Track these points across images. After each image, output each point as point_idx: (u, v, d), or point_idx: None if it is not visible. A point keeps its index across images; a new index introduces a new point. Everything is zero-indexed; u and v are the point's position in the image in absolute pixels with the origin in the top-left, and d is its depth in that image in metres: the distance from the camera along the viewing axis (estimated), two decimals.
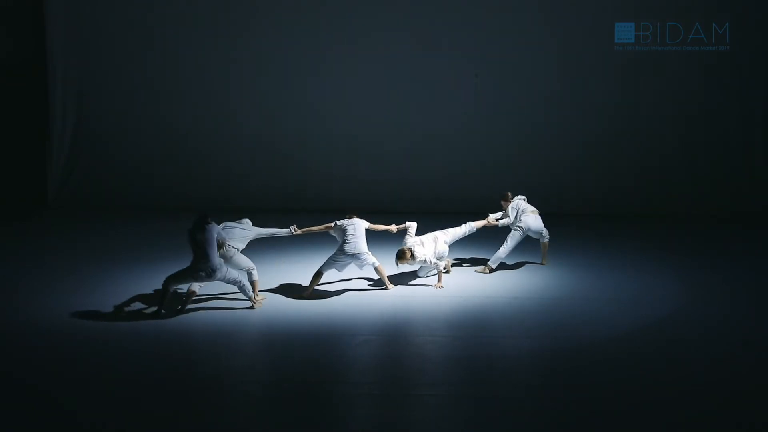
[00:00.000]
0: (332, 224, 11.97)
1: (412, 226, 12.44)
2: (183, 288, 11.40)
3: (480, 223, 13.07)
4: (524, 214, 13.04)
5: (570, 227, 15.88)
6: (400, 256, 12.16)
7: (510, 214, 13.11)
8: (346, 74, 17.66)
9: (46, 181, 18.12)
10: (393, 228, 12.42)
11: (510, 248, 12.98)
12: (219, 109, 17.92)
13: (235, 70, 17.83)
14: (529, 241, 13.40)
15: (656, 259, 13.58)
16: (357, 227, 11.89)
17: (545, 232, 13.13)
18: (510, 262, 13.42)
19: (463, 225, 12.93)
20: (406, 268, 12.46)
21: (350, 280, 12.53)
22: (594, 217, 16.77)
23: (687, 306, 11.39)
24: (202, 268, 10.81)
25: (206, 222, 10.88)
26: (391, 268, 12.55)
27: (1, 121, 18.01)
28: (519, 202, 13.20)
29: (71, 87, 18.01)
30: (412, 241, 12.32)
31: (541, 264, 13.34)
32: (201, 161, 17.96)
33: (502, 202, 13.33)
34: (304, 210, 15.46)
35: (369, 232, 12.07)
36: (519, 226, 13.00)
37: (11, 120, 18.11)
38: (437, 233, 12.67)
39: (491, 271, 12.96)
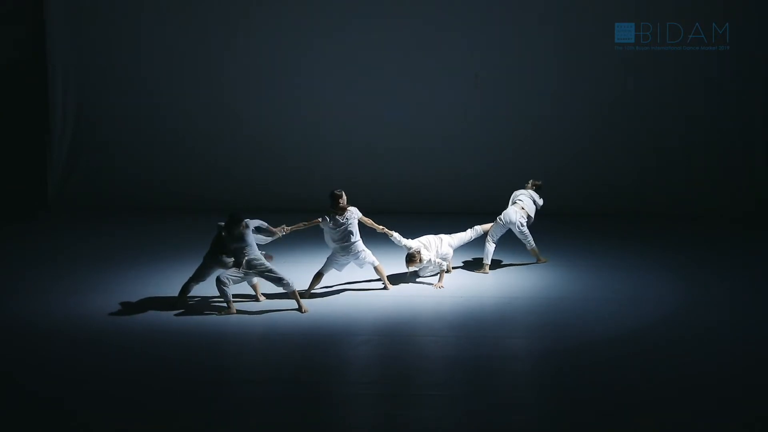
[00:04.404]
0: (320, 220, 11.75)
1: (399, 238, 12.33)
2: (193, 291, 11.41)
3: (487, 226, 13.07)
4: (511, 206, 13.08)
5: (570, 227, 15.88)
6: (412, 260, 12.13)
7: (509, 201, 13.23)
8: (346, 74, 17.63)
9: (46, 182, 18.11)
10: (380, 228, 12.31)
11: (494, 241, 12.96)
12: (219, 109, 17.90)
13: (236, 71, 17.80)
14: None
15: (656, 259, 13.57)
16: (352, 223, 11.78)
17: (526, 231, 12.95)
18: (510, 263, 13.42)
19: (469, 230, 12.97)
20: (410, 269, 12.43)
21: (351, 282, 12.53)
22: (594, 217, 16.75)
23: (687, 306, 11.39)
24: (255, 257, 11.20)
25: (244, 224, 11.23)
26: (389, 268, 12.56)
27: (1, 121, 18.00)
28: (521, 193, 13.22)
29: (71, 87, 17.99)
30: (416, 244, 12.31)
31: (536, 263, 13.32)
32: (201, 162, 17.94)
33: (531, 180, 13.53)
34: (304, 210, 15.43)
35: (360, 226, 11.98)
36: (500, 219, 13.01)
37: (11, 120, 18.09)
38: (443, 235, 12.69)
39: (489, 268, 12.95)
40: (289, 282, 11.27)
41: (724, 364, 9.45)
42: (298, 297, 11.34)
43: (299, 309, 11.26)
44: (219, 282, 11.08)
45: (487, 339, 10.25)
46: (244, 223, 11.18)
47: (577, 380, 9.03)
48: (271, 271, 11.24)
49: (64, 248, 14.64)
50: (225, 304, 11.19)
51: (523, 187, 13.44)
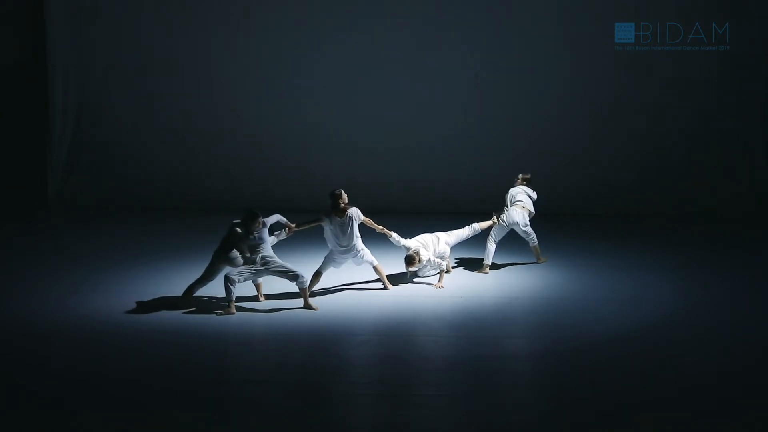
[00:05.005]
0: (321, 221, 11.78)
1: (398, 238, 12.31)
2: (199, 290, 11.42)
3: (485, 224, 13.06)
4: (513, 207, 13.07)
5: (570, 227, 15.88)
6: (411, 262, 12.10)
7: (506, 197, 13.18)
8: (346, 74, 17.64)
9: (46, 182, 18.11)
10: (379, 228, 12.30)
11: (495, 241, 12.97)
12: (219, 109, 17.90)
13: (235, 71, 17.81)
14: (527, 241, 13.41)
15: (656, 259, 13.58)
16: (354, 224, 11.76)
17: (529, 230, 13.03)
18: (510, 263, 13.42)
19: (467, 227, 12.94)
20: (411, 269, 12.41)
21: (351, 282, 12.52)
22: (594, 217, 16.75)
23: (687, 306, 11.39)
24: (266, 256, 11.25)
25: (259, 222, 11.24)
26: (389, 268, 12.56)
27: (1, 121, 18.00)
28: (518, 192, 13.21)
29: (71, 87, 17.99)
30: (415, 244, 12.29)
31: (537, 262, 13.32)
32: (201, 162, 17.95)
33: (520, 174, 13.54)
34: (304, 210, 15.44)
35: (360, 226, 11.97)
36: (503, 220, 13.02)
37: (11, 120, 18.09)
38: (440, 233, 12.67)
39: (489, 268, 12.96)
40: (305, 279, 11.30)
41: (724, 364, 9.44)
42: (307, 295, 11.35)
43: (308, 307, 11.26)
44: (227, 280, 11.09)
45: (487, 339, 10.24)
46: (260, 220, 11.20)
47: (577, 380, 9.03)
48: (285, 267, 11.26)
49: (64, 248, 14.64)
50: (226, 303, 11.18)
51: (513, 184, 13.41)
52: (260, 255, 11.19)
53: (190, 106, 17.94)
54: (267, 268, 11.23)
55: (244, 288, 11.65)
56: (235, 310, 11.13)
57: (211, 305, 11.44)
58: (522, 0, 17.28)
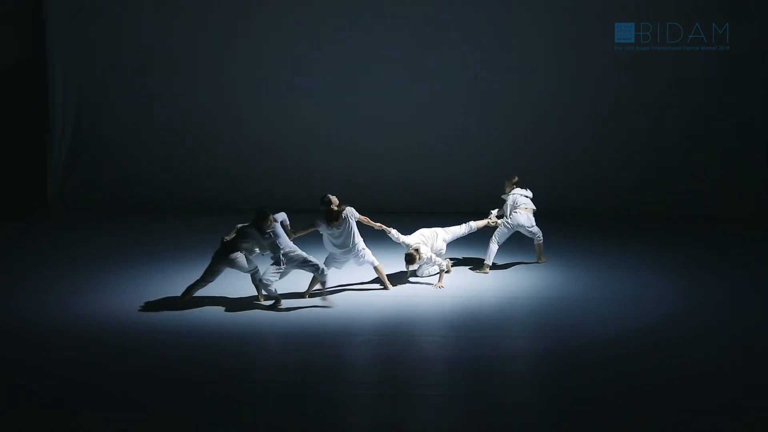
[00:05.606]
0: (316, 224, 11.77)
1: (397, 235, 12.30)
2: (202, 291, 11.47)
3: (481, 223, 13.06)
4: (516, 210, 13.05)
5: (570, 227, 15.88)
6: (411, 260, 12.10)
7: (506, 206, 13.15)
8: (346, 74, 17.65)
9: (46, 182, 18.11)
10: (377, 225, 12.28)
11: (498, 242, 12.97)
12: (219, 109, 17.91)
13: (235, 71, 17.82)
14: (528, 241, 13.41)
15: (656, 259, 13.58)
16: (352, 225, 11.75)
17: (536, 230, 13.09)
18: (510, 263, 13.42)
19: (464, 225, 12.93)
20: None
21: (351, 282, 12.52)
22: (594, 217, 16.76)
23: (687, 306, 11.39)
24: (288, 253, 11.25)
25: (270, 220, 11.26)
26: (389, 267, 12.56)
27: (1, 121, 18.01)
28: (516, 197, 13.19)
29: (71, 87, 18.00)
30: (414, 240, 12.28)
31: (537, 262, 13.33)
32: (201, 162, 17.96)
33: (506, 181, 13.36)
34: (304, 210, 15.46)
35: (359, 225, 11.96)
36: (507, 222, 13.01)
37: (11, 120, 18.10)
38: (438, 229, 12.67)
39: (489, 268, 12.96)
40: (326, 271, 11.37)
41: (724, 364, 9.44)
42: (324, 289, 11.44)
43: (323, 302, 11.32)
44: (263, 284, 11.21)
45: (487, 339, 10.24)
46: (271, 217, 11.21)
47: (577, 380, 9.03)
48: (307, 260, 11.30)
49: (64, 248, 14.64)
50: (273, 300, 11.34)
51: (506, 193, 13.31)
52: (282, 251, 11.18)
53: (190, 106, 17.95)
54: (293, 263, 11.25)
55: (244, 288, 11.66)
56: (282, 303, 11.32)
57: (211, 305, 11.42)
58: (522, 0, 17.29)
